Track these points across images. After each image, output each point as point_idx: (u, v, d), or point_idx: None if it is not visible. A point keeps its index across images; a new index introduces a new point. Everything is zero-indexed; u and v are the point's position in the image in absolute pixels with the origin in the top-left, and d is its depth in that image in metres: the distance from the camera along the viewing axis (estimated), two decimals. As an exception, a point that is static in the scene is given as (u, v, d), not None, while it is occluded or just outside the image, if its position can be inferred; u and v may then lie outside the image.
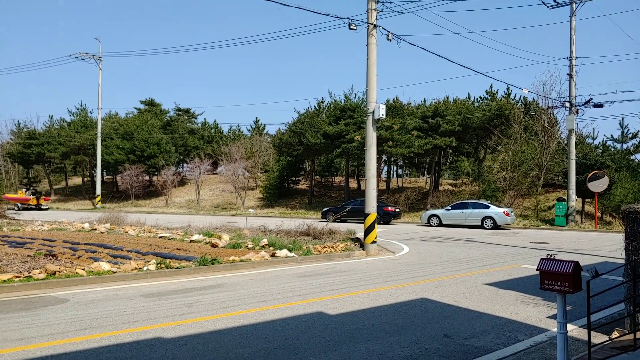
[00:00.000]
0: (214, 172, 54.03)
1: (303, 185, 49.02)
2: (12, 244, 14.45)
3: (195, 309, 7.27)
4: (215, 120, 62.96)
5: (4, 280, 8.81)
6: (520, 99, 41.42)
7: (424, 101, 42.51)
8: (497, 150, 35.25)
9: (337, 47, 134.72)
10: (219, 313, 7.05)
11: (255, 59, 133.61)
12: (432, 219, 26.22)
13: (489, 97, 42.17)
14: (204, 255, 11.58)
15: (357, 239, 16.10)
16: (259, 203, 43.44)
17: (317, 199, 42.51)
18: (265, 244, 14.24)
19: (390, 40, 14.82)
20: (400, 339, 5.89)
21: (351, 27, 14.26)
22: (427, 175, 45.89)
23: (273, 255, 12.52)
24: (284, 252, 12.74)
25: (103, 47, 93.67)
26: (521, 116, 35.83)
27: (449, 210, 25.96)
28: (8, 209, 31.22)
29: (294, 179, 47.46)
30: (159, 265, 10.64)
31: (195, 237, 16.05)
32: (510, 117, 34.27)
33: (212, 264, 11.11)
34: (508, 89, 42.79)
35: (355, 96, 40.74)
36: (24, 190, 46.09)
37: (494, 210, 24.57)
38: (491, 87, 43.00)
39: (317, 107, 44.08)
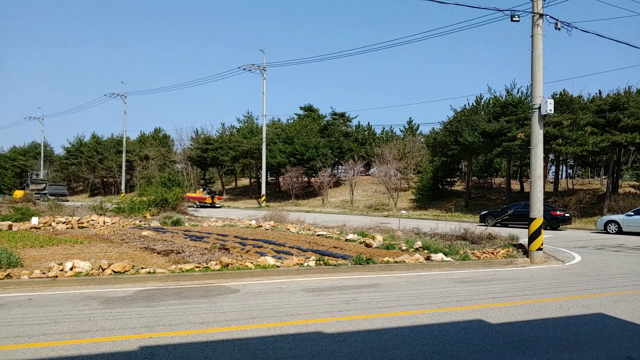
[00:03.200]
0: (367, 173, 55.00)
1: (459, 186, 47.25)
2: (192, 237, 16.40)
3: (353, 307, 7.44)
4: (368, 123, 64.34)
5: (187, 270, 10.03)
6: None
7: (599, 93, 37.85)
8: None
9: (497, 41, 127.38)
10: (375, 312, 7.11)
11: (408, 59, 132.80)
12: (609, 225, 23.25)
13: (684, 85, 35.98)
14: (359, 255, 11.82)
15: (521, 246, 14.97)
16: (411, 204, 43.01)
17: (474, 201, 40.60)
18: (419, 247, 14.01)
19: (559, 29, 13.50)
20: (572, 355, 5.31)
21: (514, 18, 13.36)
22: (604, 176, 40.84)
23: (428, 258, 12.26)
24: (439, 256, 12.40)
25: (266, 57, 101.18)
26: None
27: (631, 215, 22.76)
28: (188, 207, 35.50)
29: (449, 180, 45.99)
30: (317, 262, 11.14)
31: (350, 236, 16.47)
32: None
33: (367, 263, 11.28)
34: None
35: (519, 91, 38.14)
36: (202, 189, 52.09)
37: (692, 217, 20.86)
38: (687, 72, 36.61)
39: (475, 104, 42.17)
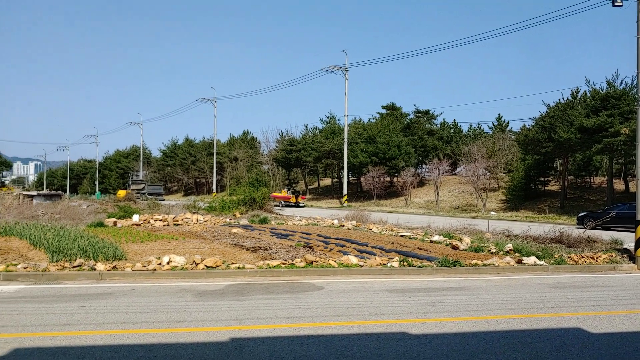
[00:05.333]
0: (453, 172, 53.32)
1: (553, 186, 44.45)
2: (278, 235, 16.86)
3: (438, 309, 7.26)
4: (454, 120, 61.96)
5: (274, 266, 10.33)
6: None
7: None
8: None
9: (595, 31, 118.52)
10: (462, 316, 6.89)
11: (495, 54, 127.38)
12: None
13: None
14: (445, 257, 11.50)
15: (626, 251, 13.77)
16: (501, 205, 41.13)
17: (571, 202, 38.00)
18: (510, 250, 13.36)
19: (670, 11, 12.27)
20: (690, 374, 4.80)
21: (616, 3, 12.37)
22: None
23: (519, 261, 11.67)
24: (532, 260, 11.75)
25: (348, 58, 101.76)
26: None
27: None
28: (274, 206, 36.53)
29: (542, 179, 43.38)
30: (401, 262, 11.00)
31: (435, 237, 16.07)
32: None
33: (454, 265, 10.95)
34: None
35: (622, 82, 35.11)
36: (286, 189, 53.38)
37: None
38: None
39: (571, 98, 39.45)
